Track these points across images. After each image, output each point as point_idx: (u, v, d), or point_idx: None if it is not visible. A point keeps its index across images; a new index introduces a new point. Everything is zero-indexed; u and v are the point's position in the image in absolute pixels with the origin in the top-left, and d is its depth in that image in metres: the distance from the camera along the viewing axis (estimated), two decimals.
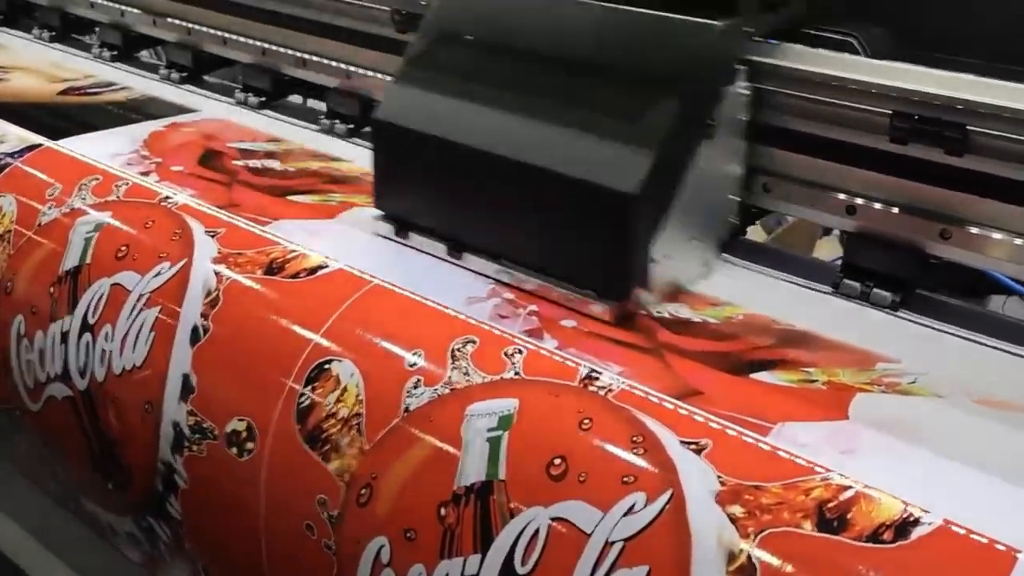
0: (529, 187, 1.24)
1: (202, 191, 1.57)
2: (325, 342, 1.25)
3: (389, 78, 1.64)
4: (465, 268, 1.33)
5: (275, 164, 1.66)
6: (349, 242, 1.41)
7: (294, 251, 1.38)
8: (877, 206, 1.21)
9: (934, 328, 1.18)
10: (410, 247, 1.39)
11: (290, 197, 1.55)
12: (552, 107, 1.26)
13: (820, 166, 1.26)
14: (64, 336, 1.51)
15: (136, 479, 1.43)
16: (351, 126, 1.81)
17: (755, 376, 1.08)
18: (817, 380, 1.06)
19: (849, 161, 1.22)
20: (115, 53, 2.28)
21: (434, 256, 1.36)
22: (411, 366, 1.17)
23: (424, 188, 1.39)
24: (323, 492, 1.18)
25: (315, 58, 1.87)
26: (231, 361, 1.32)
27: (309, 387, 1.23)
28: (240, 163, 1.67)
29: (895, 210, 1.20)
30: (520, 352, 1.14)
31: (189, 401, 1.34)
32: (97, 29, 2.35)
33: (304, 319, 1.29)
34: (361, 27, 1.77)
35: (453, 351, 1.17)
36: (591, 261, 1.21)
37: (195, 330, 1.36)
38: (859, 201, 1.23)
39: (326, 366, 1.23)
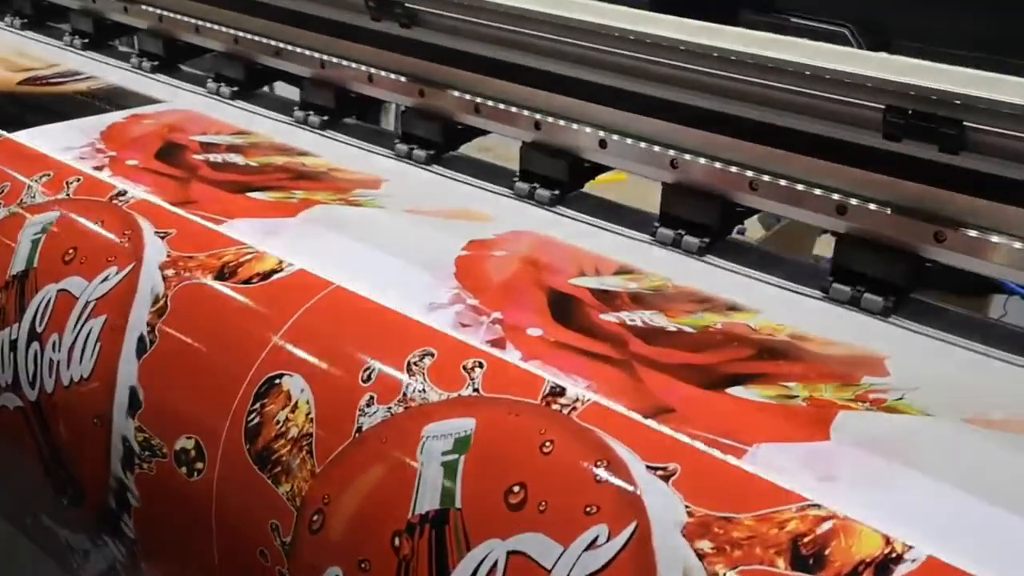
0: None
1: (157, 187, 1.50)
2: (276, 355, 1.18)
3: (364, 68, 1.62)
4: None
5: (238, 158, 1.59)
6: (307, 242, 1.33)
7: (248, 253, 1.31)
8: (870, 207, 1.15)
9: (928, 335, 1.10)
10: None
11: (250, 193, 1.47)
12: None
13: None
14: (13, 345, 1.44)
15: (89, 495, 1.36)
16: (325, 118, 1.74)
17: (731, 391, 1.00)
18: (798, 396, 0.99)
19: (839, 159, 1.15)
20: (86, 41, 2.20)
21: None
22: (365, 381, 1.10)
23: None
24: (275, 517, 1.11)
25: (289, 47, 1.79)
26: (178, 374, 1.25)
27: (258, 403, 1.16)
28: (201, 157, 1.60)
29: (888, 211, 1.14)
30: (480, 365, 1.07)
31: (137, 416, 1.27)
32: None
33: (254, 329, 1.21)
34: (335, 16, 1.70)
35: (409, 364, 1.09)
36: None
37: (141, 340, 1.29)
38: (851, 201, 1.16)
39: (276, 381, 1.16)
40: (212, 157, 1.59)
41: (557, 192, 1.44)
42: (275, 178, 1.51)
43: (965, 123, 1.03)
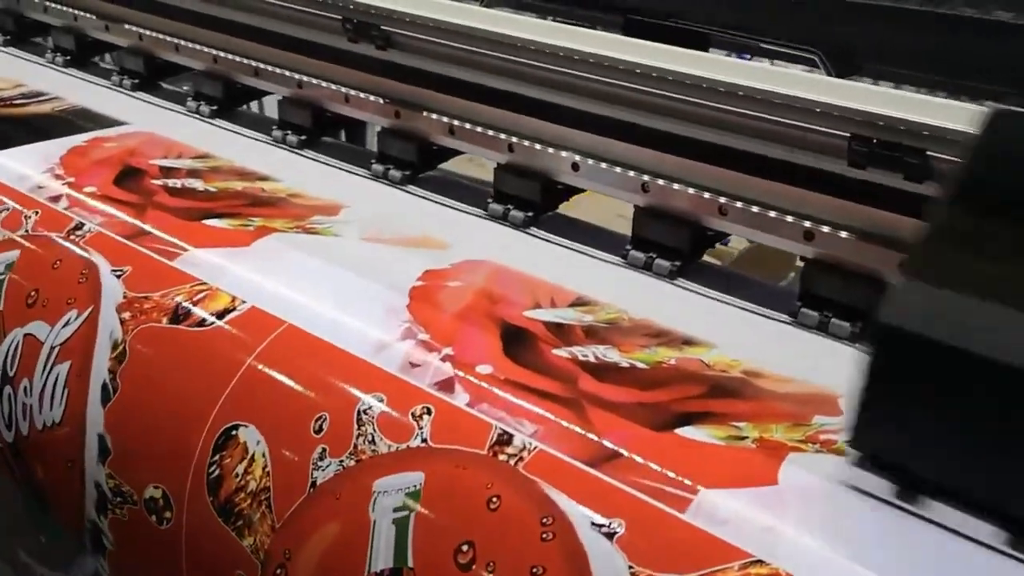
0: None
1: (112, 218, 1.47)
2: (231, 403, 1.16)
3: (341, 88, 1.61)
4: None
5: (197, 184, 1.55)
6: (260, 276, 1.30)
7: (202, 290, 1.28)
8: (833, 231, 1.14)
9: None
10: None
11: (207, 221, 1.44)
12: None
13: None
14: None
15: (67, 535, 1.36)
16: (303, 137, 1.71)
17: (680, 432, 0.97)
18: (747, 437, 0.96)
19: (805, 185, 1.14)
20: (68, 58, 2.16)
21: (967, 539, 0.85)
22: (317, 433, 1.09)
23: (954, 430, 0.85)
24: (241, 568, 1.10)
25: (268, 67, 1.76)
26: (141, 423, 1.24)
27: (218, 456, 1.14)
28: (159, 182, 1.56)
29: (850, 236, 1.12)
30: (428, 412, 1.05)
31: (107, 463, 1.26)
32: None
33: (210, 376, 1.19)
34: (314, 36, 1.67)
35: (359, 414, 1.07)
36: None
37: (105, 388, 1.28)
38: (820, 228, 1.15)
39: (233, 432, 1.14)
40: (171, 182, 1.55)
41: (531, 214, 1.41)
42: (232, 204, 1.48)
43: (929, 152, 1.02)
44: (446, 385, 1.07)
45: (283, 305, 1.23)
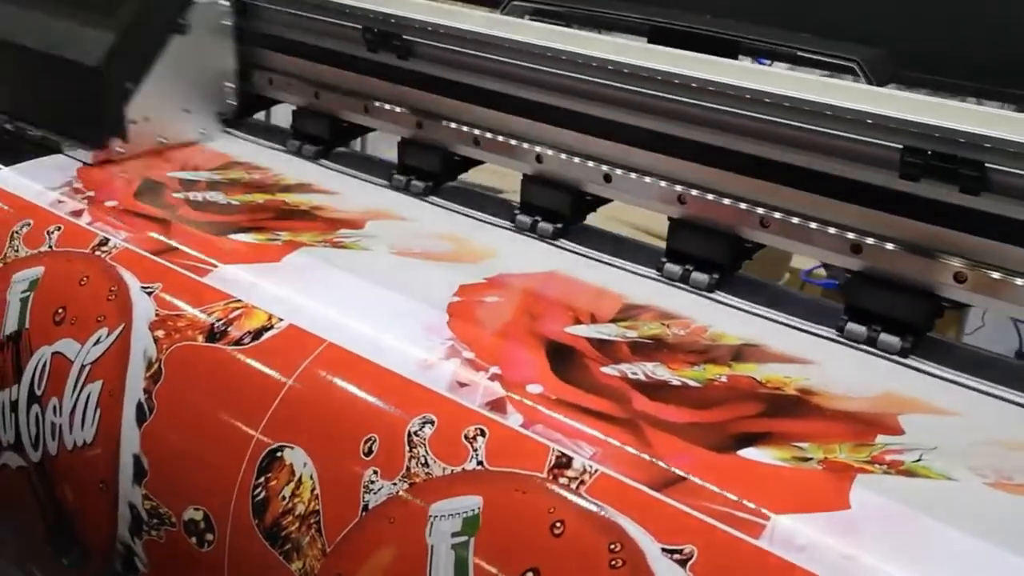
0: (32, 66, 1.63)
1: (138, 232, 1.41)
2: (274, 425, 1.11)
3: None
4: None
5: (219, 197, 1.50)
6: (295, 293, 1.25)
7: (237, 307, 1.23)
8: (883, 245, 1.10)
9: (947, 378, 1.04)
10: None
11: (233, 236, 1.39)
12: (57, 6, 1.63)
13: None
14: (14, 406, 1.38)
15: (94, 558, 1.31)
16: (319, 147, 1.66)
17: (743, 453, 0.94)
18: (812, 458, 0.92)
19: (854, 199, 1.10)
20: None
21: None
22: (366, 455, 1.04)
23: None
24: None
25: (284, 77, 1.73)
26: (179, 444, 1.20)
27: (262, 478, 1.10)
28: (180, 195, 1.51)
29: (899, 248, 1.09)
30: (482, 434, 1.01)
31: (143, 484, 1.21)
32: None
33: (250, 396, 1.15)
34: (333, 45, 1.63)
35: (410, 435, 1.03)
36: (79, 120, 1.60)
37: (140, 408, 1.23)
38: (863, 239, 1.11)
39: (278, 454, 1.10)
40: (192, 195, 1.50)
41: (560, 225, 1.37)
42: (257, 218, 1.43)
43: (987, 164, 0.98)
44: (498, 405, 1.03)
45: (322, 324, 1.18)
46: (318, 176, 1.59)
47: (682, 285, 1.23)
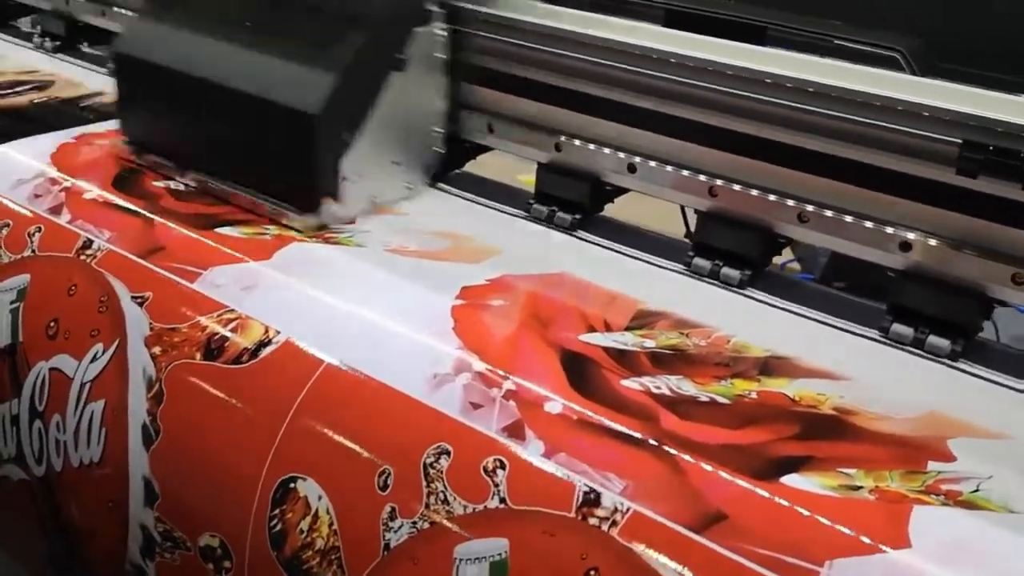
0: (235, 110, 1.27)
1: (121, 231, 1.28)
2: (284, 452, 1.02)
3: None
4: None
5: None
6: (290, 298, 1.13)
7: (232, 319, 1.12)
8: (934, 242, 1.00)
9: (995, 381, 0.94)
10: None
11: (220, 229, 1.26)
12: (260, 40, 1.29)
13: None
14: (15, 420, 1.29)
15: None
16: None
17: (786, 481, 0.83)
18: (862, 487, 0.82)
19: (904, 194, 1.01)
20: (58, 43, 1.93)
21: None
22: (383, 489, 0.95)
23: (157, 113, 1.40)
24: None
25: None
26: (190, 469, 1.10)
27: (278, 510, 1.01)
28: (161, 184, 1.37)
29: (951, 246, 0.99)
30: (502, 467, 0.91)
31: (155, 507, 1.13)
32: None
33: (256, 423, 1.05)
34: None
35: (426, 467, 0.94)
36: (285, 176, 1.26)
37: (146, 430, 1.13)
38: (913, 236, 1.01)
39: (291, 484, 1.01)
40: (173, 184, 1.36)
41: (578, 216, 1.24)
42: (244, 209, 1.29)
43: None
44: (515, 430, 0.93)
45: (321, 335, 1.08)
46: None
47: (712, 281, 1.13)
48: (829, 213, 1.06)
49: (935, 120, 0.95)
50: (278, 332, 1.09)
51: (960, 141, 0.94)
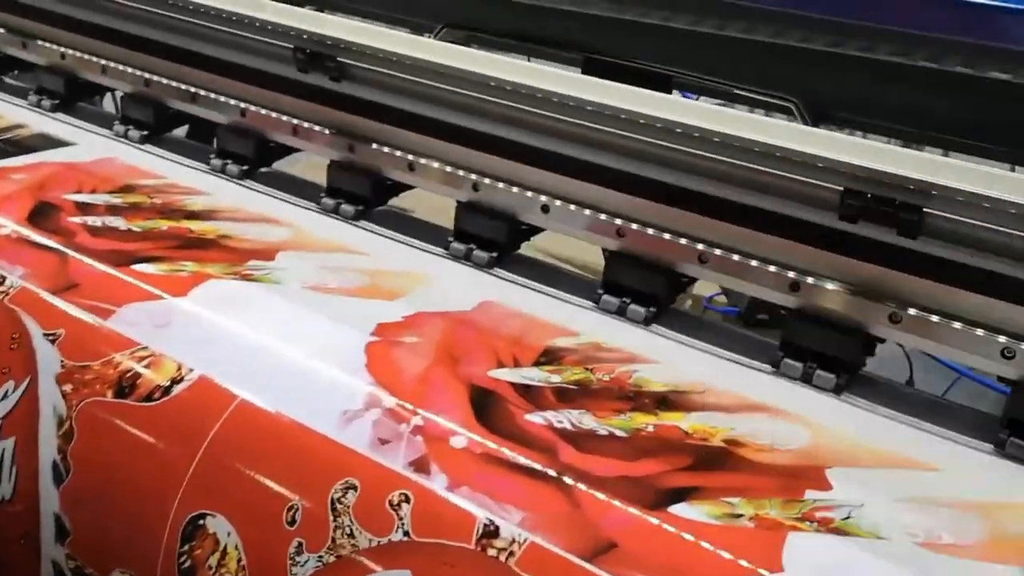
0: None
1: (35, 267, 1.28)
2: (194, 490, 1.02)
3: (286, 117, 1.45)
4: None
5: (119, 222, 1.35)
6: (204, 335, 1.14)
7: (145, 357, 1.13)
8: (821, 284, 1.05)
9: (879, 414, 1.00)
10: None
11: (136, 266, 1.25)
12: None
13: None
14: None
15: None
16: (244, 167, 1.51)
17: (674, 510, 0.87)
18: (743, 515, 0.86)
19: (793, 237, 1.06)
20: None
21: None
22: (290, 524, 0.96)
23: None
24: None
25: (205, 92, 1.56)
26: (101, 507, 1.10)
27: (187, 546, 1.02)
28: (78, 220, 1.36)
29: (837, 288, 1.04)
30: (407, 500, 0.93)
31: (66, 544, 1.13)
32: None
33: (166, 461, 1.06)
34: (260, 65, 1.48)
35: (334, 502, 0.95)
36: None
37: (56, 468, 1.13)
38: (801, 277, 1.06)
39: (200, 521, 1.02)
40: (91, 220, 1.36)
41: (495, 254, 1.27)
42: (160, 247, 1.29)
43: (925, 209, 0.96)
44: (421, 465, 0.96)
45: (234, 373, 1.09)
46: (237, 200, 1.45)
47: (619, 317, 1.16)
48: (726, 254, 1.10)
49: (820, 168, 1.00)
50: (191, 370, 1.10)
51: (842, 188, 0.99)
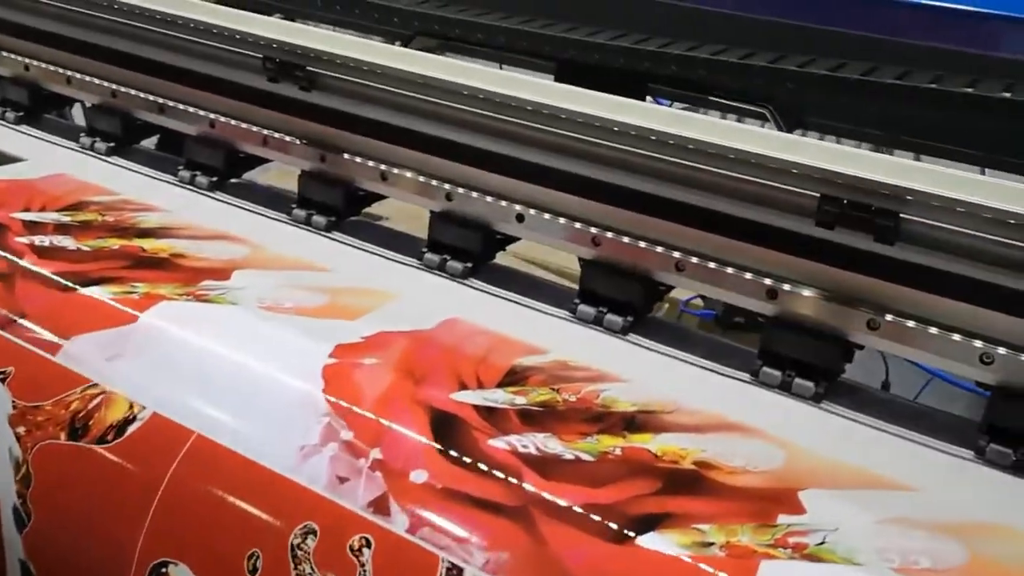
0: None
1: None
2: (154, 536, 0.99)
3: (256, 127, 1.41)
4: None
5: (68, 242, 1.30)
6: (156, 365, 1.09)
7: (95, 395, 1.08)
8: (798, 291, 1.03)
9: (858, 421, 0.96)
10: None
11: (84, 289, 1.20)
12: None
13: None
14: None
15: None
16: (214, 179, 1.46)
17: (642, 541, 0.83)
18: (714, 543, 0.82)
19: (770, 244, 1.04)
20: None
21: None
22: (252, 573, 0.93)
23: None
24: None
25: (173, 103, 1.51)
26: (64, 554, 1.07)
27: None
28: (25, 240, 1.31)
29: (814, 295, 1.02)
30: (368, 544, 0.89)
31: None
32: None
33: (125, 507, 1.02)
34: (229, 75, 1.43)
35: (294, 548, 0.91)
36: None
37: (17, 513, 1.09)
38: (778, 284, 1.03)
39: (163, 570, 0.98)
40: (39, 240, 1.30)
41: (469, 265, 1.23)
42: (111, 267, 1.24)
43: (902, 214, 0.94)
44: (381, 505, 0.91)
45: (186, 408, 1.04)
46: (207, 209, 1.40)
47: (596, 327, 1.13)
48: (703, 262, 1.08)
49: (796, 175, 0.98)
50: (143, 407, 1.05)
51: (818, 195, 0.97)
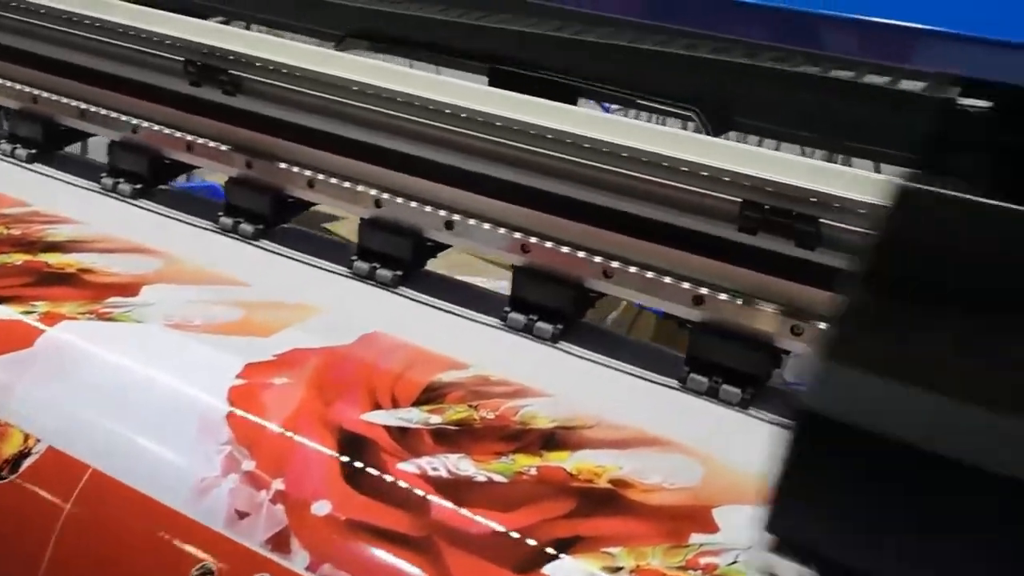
0: None
1: None
2: None
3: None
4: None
5: None
6: (52, 393, 1.02)
7: None
8: (724, 297, 1.00)
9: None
10: None
11: None
12: None
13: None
14: None
15: None
16: (138, 186, 1.38)
17: (549, 570, 0.76)
18: (623, 567, 0.75)
19: (696, 250, 1.02)
20: None
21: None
22: None
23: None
24: None
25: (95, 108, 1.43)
26: None
27: None
28: None
29: (739, 301, 0.99)
30: None
31: None
32: None
33: (23, 548, 0.95)
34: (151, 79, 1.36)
35: None
36: None
37: None
38: (705, 291, 1.01)
39: None
40: None
41: (400, 272, 1.17)
42: (11, 284, 1.15)
43: (822, 220, 0.92)
44: (280, 542, 0.84)
45: (83, 441, 0.97)
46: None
47: (527, 335, 1.08)
48: (631, 268, 1.05)
49: (719, 180, 0.96)
50: (38, 440, 0.98)
51: (740, 200, 0.95)
